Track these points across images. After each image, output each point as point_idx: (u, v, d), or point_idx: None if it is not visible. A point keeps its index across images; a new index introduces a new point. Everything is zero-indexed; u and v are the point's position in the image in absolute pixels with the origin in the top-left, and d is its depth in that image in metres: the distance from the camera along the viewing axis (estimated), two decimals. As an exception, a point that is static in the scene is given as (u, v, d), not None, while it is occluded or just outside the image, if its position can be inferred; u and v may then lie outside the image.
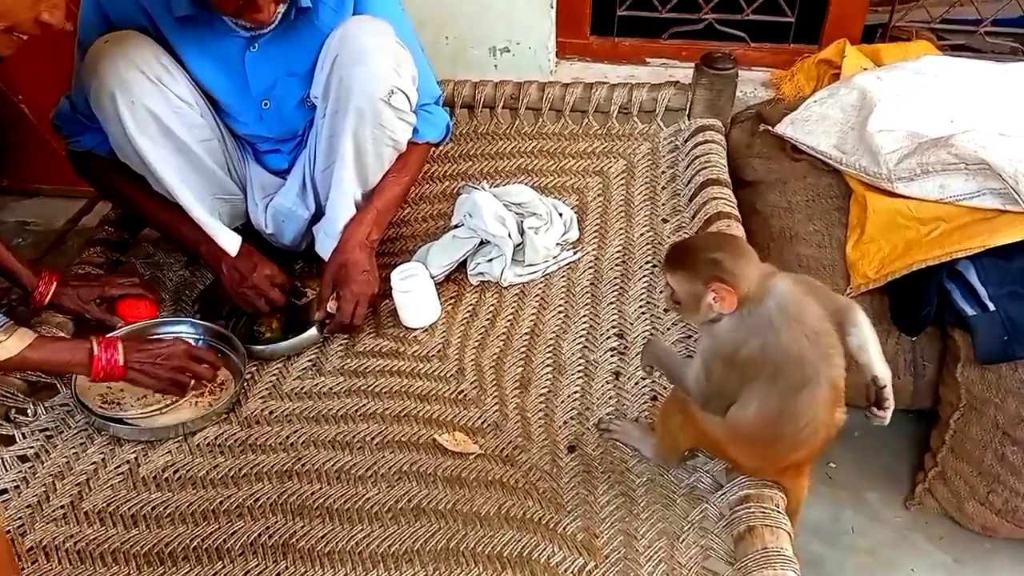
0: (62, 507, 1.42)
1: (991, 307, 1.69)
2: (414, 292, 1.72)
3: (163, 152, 1.67)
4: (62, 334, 1.66)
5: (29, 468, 1.47)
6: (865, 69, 2.11)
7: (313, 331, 1.71)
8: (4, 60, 1.42)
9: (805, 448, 1.22)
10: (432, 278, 1.77)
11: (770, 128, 2.05)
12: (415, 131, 1.80)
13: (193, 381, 1.57)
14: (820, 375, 1.15)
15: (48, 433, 1.54)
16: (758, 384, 1.16)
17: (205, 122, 1.73)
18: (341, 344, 1.73)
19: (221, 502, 1.42)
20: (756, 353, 1.14)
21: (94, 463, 1.49)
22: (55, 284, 1.67)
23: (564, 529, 1.33)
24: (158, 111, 1.63)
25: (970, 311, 1.71)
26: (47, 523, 1.40)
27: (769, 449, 1.23)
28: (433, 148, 1.95)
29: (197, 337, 1.70)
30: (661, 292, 1.22)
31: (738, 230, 1.76)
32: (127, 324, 1.69)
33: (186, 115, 1.69)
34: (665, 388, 1.53)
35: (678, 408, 1.30)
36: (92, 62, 1.60)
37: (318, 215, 1.84)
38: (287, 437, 1.52)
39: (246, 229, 1.88)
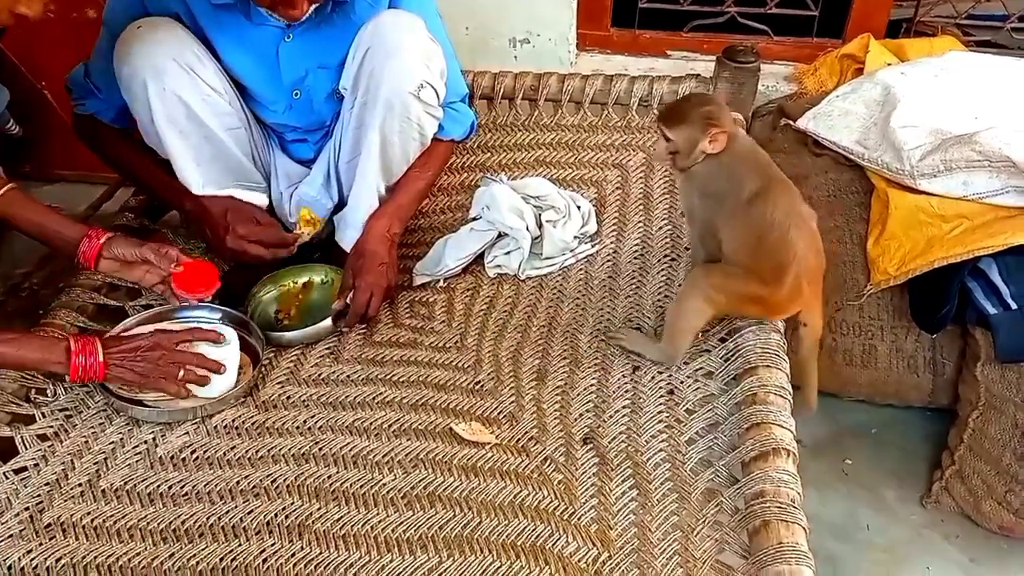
0: (80, 485, 1.43)
1: (1013, 306, 1.68)
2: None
3: (190, 141, 1.69)
4: (56, 335, 1.60)
5: (48, 447, 1.49)
6: (889, 64, 2.10)
7: (329, 321, 1.71)
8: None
9: (795, 251, 1.40)
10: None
11: (792, 122, 2.05)
12: (440, 127, 1.81)
13: (183, 372, 1.50)
14: (773, 186, 1.42)
15: (68, 413, 1.55)
16: (729, 204, 1.42)
17: (233, 110, 1.75)
18: (359, 334, 1.73)
19: (238, 482, 1.42)
20: (725, 180, 1.42)
21: (112, 443, 1.50)
22: (106, 236, 1.61)
23: (578, 520, 1.33)
24: (188, 99, 1.65)
25: (992, 309, 1.71)
26: (65, 500, 1.41)
27: (766, 261, 1.41)
28: (457, 145, 1.96)
29: (214, 321, 1.71)
30: (652, 147, 1.54)
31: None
32: (181, 296, 1.65)
33: (215, 103, 1.70)
34: (681, 382, 1.53)
35: (692, 287, 1.49)
36: (124, 47, 1.62)
37: (341, 205, 1.85)
38: (304, 421, 1.53)
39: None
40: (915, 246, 1.79)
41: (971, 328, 1.78)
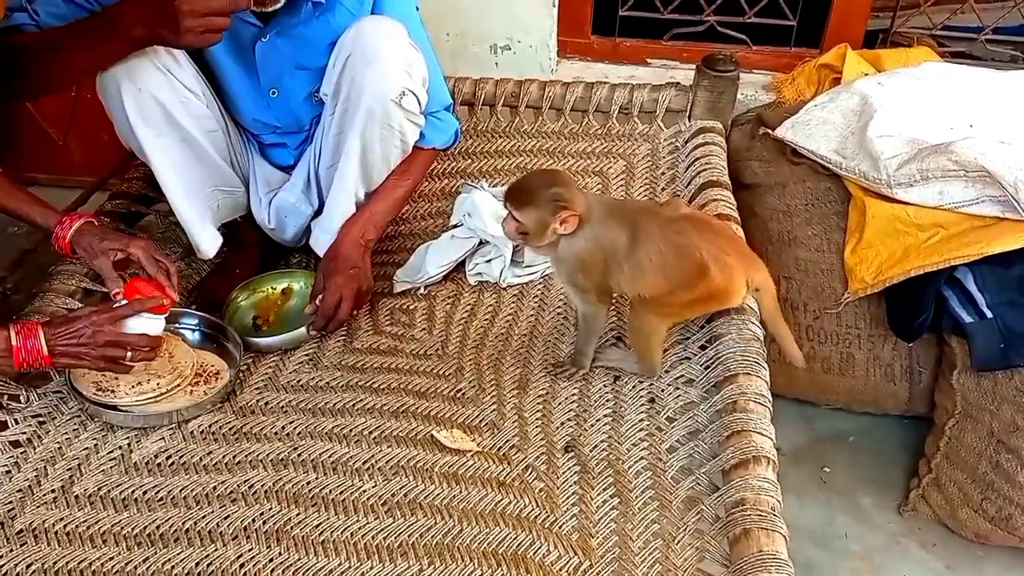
0: (53, 491, 1.41)
1: (988, 314, 1.70)
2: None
3: (165, 141, 1.66)
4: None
5: (21, 453, 1.46)
6: (866, 74, 2.11)
7: (301, 331, 1.70)
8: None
9: (696, 247, 1.42)
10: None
11: (770, 131, 2.05)
12: (421, 136, 1.80)
13: (130, 354, 1.44)
14: (641, 220, 1.45)
15: (41, 419, 1.53)
16: (615, 262, 1.44)
17: (211, 113, 1.73)
18: (339, 340, 1.72)
19: (215, 487, 1.41)
20: (599, 249, 1.43)
21: (86, 448, 1.48)
22: (81, 221, 1.58)
23: (559, 528, 1.32)
24: (164, 100, 1.62)
25: (967, 318, 1.72)
26: (38, 507, 1.39)
27: (682, 276, 1.43)
28: (439, 153, 1.95)
29: (193, 328, 1.70)
30: (503, 224, 1.47)
31: (738, 232, 1.76)
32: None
33: (192, 105, 1.68)
34: (662, 390, 1.53)
35: (638, 317, 1.52)
36: None
37: (321, 212, 1.83)
38: (283, 427, 1.51)
39: (246, 223, 1.89)
40: (892, 255, 1.80)
41: (947, 336, 1.80)
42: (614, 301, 1.64)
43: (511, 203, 1.42)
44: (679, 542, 1.30)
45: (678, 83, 2.15)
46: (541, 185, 1.42)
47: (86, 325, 1.41)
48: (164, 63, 1.62)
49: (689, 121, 2.11)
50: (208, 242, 1.77)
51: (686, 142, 2.06)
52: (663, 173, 2.02)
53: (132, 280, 1.54)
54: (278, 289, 1.86)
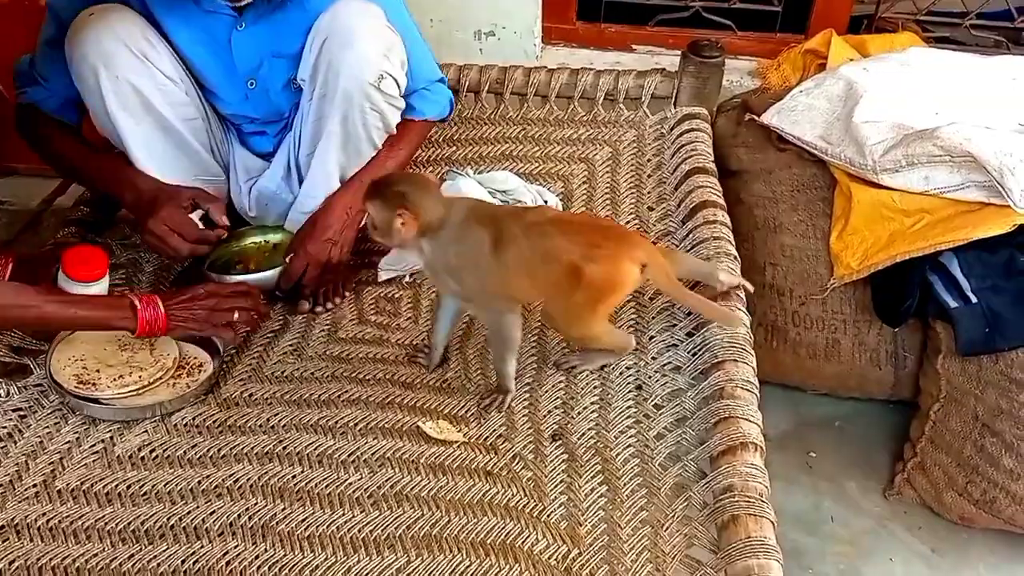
0: (34, 486, 1.39)
1: (973, 299, 1.70)
2: None
3: (144, 129, 1.64)
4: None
5: (1, 448, 1.44)
6: (851, 60, 2.11)
7: (271, 273, 1.71)
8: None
9: (561, 247, 1.38)
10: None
11: (756, 117, 2.05)
12: (411, 108, 1.79)
13: (237, 315, 1.54)
14: (503, 222, 1.40)
15: (21, 413, 1.51)
16: (483, 267, 1.40)
17: (190, 100, 1.71)
18: (323, 330, 1.70)
19: (199, 482, 1.39)
20: (459, 256, 1.41)
21: (68, 442, 1.46)
22: (11, 266, 1.60)
23: (547, 517, 1.32)
24: (141, 87, 1.60)
25: (952, 303, 1.72)
26: (19, 501, 1.37)
27: (553, 277, 1.40)
28: (435, 125, 1.93)
29: None
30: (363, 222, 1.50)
31: (724, 219, 1.75)
32: (77, 282, 1.55)
33: (170, 92, 1.66)
34: (649, 377, 1.53)
35: (568, 332, 1.53)
36: (75, 34, 1.57)
37: (302, 198, 1.82)
38: (268, 420, 1.50)
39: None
40: (877, 240, 1.81)
41: (932, 321, 1.80)
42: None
43: (365, 194, 1.42)
44: (667, 529, 1.30)
45: (663, 69, 2.14)
46: (395, 183, 1.41)
47: (199, 291, 1.54)
48: (140, 48, 1.60)
49: (675, 107, 2.10)
50: None
51: (672, 128, 2.05)
52: (649, 160, 2.02)
53: (66, 250, 1.57)
54: (270, 242, 1.85)
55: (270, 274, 1.71)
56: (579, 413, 1.49)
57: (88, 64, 1.56)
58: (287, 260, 1.71)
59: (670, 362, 1.55)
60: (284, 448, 1.44)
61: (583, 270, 1.37)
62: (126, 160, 1.68)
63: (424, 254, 1.43)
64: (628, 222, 1.84)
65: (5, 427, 1.47)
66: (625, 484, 1.37)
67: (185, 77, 1.69)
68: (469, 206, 1.45)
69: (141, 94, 1.61)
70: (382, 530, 1.30)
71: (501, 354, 1.49)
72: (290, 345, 1.67)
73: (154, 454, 1.45)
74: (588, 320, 1.44)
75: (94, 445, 1.46)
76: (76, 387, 1.49)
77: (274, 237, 1.86)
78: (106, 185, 1.75)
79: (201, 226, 1.68)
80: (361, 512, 1.33)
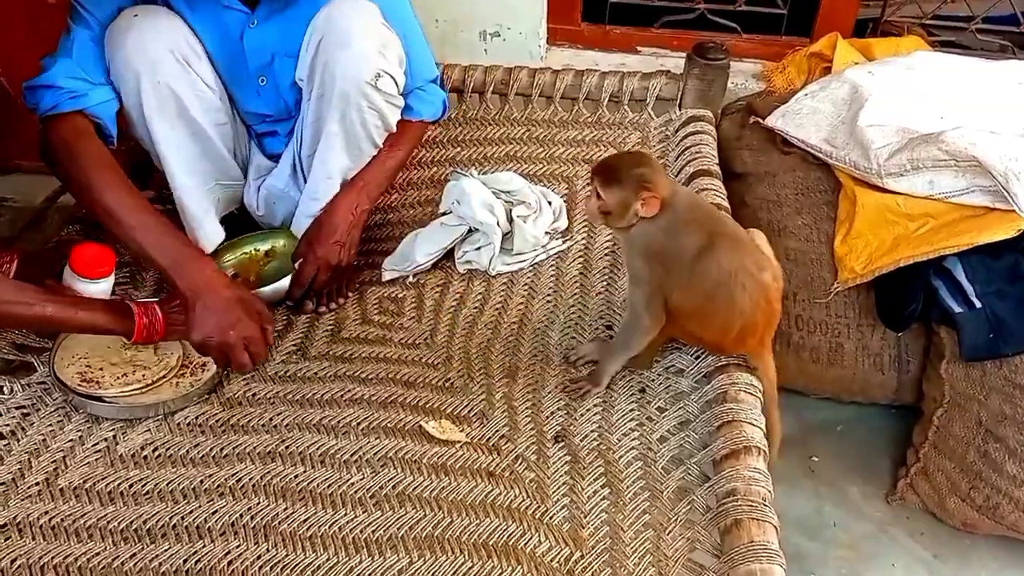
0: (37, 484, 1.39)
1: (977, 304, 1.70)
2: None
3: (177, 135, 1.65)
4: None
5: (4, 445, 1.44)
6: (856, 63, 2.11)
7: (286, 281, 1.70)
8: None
9: (741, 309, 1.37)
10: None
11: (760, 120, 2.05)
12: (409, 108, 1.79)
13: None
14: (718, 242, 1.36)
15: (25, 411, 1.51)
16: (675, 266, 1.37)
17: (223, 105, 1.73)
18: (326, 330, 1.70)
19: (202, 481, 1.39)
20: (667, 241, 1.37)
21: (71, 440, 1.46)
22: (16, 263, 1.62)
23: (550, 519, 1.32)
24: (181, 93, 1.62)
25: (956, 308, 1.72)
26: (22, 500, 1.37)
27: (711, 318, 1.39)
28: (429, 126, 1.93)
29: None
30: (583, 202, 1.48)
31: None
32: (84, 278, 1.55)
33: (207, 99, 1.69)
34: (652, 380, 1.53)
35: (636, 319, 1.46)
36: (120, 35, 1.57)
37: (306, 197, 1.82)
38: (270, 419, 1.50)
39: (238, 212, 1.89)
40: (881, 244, 1.80)
41: (936, 326, 1.80)
42: (604, 281, 1.61)
43: (598, 181, 1.38)
44: (670, 532, 1.30)
45: (668, 71, 2.14)
46: (629, 165, 1.38)
47: None
48: (184, 55, 1.62)
49: (679, 110, 2.10)
50: (210, 236, 1.76)
51: (676, 131, 2.05)
52: (653, 162, 2.01)
53: (75, 247, 1.56)
54: (262, 250, 1.85)
55: (280, 284, 1.70)
56: (582, 415, 1.48)
57: (131, 68, 1.57)
58: (296, 266, 1.70)
59: (673, 365, 1.55)
60: (287, 448, 1.44)
61: (729, 333, 1.39)
62: (179, 225, 1.66)
63: (631, 232, 1.40)
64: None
65: (8, 425, 1.48)
66: (628, 487, 1.37)
67: (219, 81, 1.71)
68: (691, 202, 1.43)
69: (179, 100, 1.63)
70: (384, 531, 1.30)
71: (615, 351, 1.49)
72: (293, 345, 1.67)
73: (157, 453, 1.45)
74: (660, 332, 1.45)
75: (97, 443, 1.46)
76: (79, 385, 1.49)
77: (263, 245, 1.86)
78: (158, 257, 1.51)
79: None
80: (363, 512, 1.33)
